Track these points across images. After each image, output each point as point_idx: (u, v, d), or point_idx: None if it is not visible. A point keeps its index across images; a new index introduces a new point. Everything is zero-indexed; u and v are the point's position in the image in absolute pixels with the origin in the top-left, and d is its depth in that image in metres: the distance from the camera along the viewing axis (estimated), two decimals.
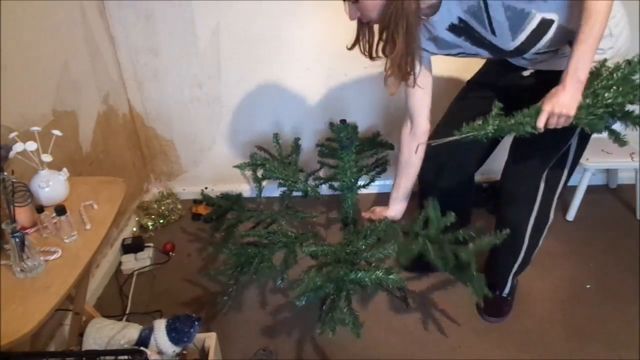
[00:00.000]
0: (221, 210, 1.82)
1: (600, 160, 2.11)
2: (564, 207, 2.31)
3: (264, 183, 1.76)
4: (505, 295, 1.76)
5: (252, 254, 1.53)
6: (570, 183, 2.39)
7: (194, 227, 2.29)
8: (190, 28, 2.03)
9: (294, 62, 2.12)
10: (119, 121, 2.13)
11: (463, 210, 1.63)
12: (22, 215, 1.19)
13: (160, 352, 1.29)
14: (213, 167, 2.43)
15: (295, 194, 1.84)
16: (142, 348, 1.23)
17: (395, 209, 1.59)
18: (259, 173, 1.81)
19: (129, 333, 1.31)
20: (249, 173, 2.22)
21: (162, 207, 2.29)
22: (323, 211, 2.32)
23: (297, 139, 1.89)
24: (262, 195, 1.84)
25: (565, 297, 1.84)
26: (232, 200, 1.81)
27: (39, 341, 1.52)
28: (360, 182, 1.87)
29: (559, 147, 1.38)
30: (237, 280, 1.55)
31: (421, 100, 1.40)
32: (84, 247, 1.16)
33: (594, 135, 2.40)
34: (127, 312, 1.81)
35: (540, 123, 1.13)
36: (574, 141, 1.38)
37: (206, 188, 2.49)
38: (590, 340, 1.66)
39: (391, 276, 1.35)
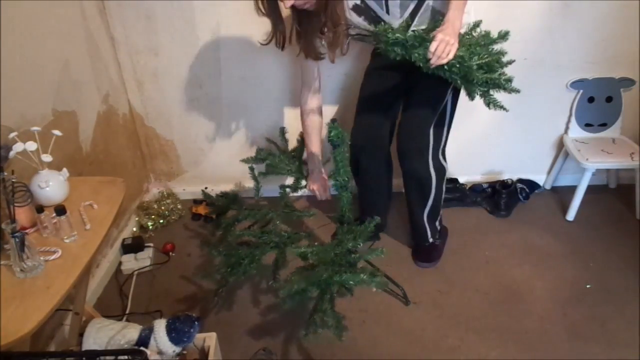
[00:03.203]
0: (220, 208, 1.82)
1: (600, 160, 2.11)
2: (564, 207, 2.31)
3: (268, 179, 1.78)
4: (432, 241, 2.00)
5: (243, 254, 1.53)
6: (570, 183, 2.43)
7: (194, 227, 2.29)
8: (190, 28, 2.03)
9: (294, 62, 2.12)
10: (119, 121, 2.13)
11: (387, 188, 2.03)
12: (22, 215, 1.19)
13: (160, 352, 1.29)
14: (213, 167, 2.43)
15: (296, 194, 1.84)
16: (142, 348, 1.23)
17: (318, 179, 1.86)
18: (263, 168, 1.82)
19: (129, 333, 1.31)
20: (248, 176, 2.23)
21: (162, 207, 2.29)
22: (320, 210, 2.31)
23: (302, 133, 1.89)
24: (263, 195, 1.84)
25: (565, 297, 1.84)
26: (230, 199, 1.81)
27: (39, 341, 1.52)
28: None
29: (438, 106, 1.69)
30: (227, 282, 1.55)
31: (317, 72, 1.75)
32: (84, 247, 1.16)
33: (594, 135, 2.41)
34: (127, 312, 1.81)
35: (432, 47, 1.36)
36: (448, 100, 1.71)
37: (206, 188, 2.49)
38: (590, 340, 1.66)
39: (376, 279, 1.36)
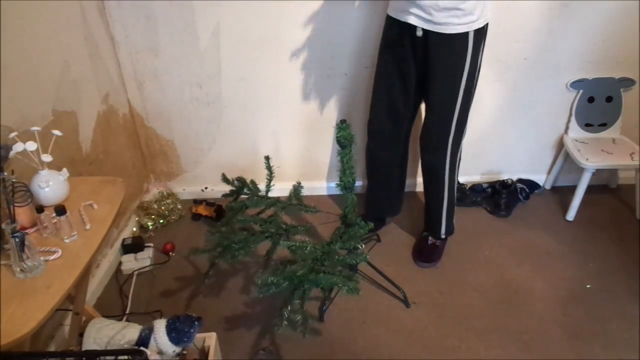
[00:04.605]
0: (235, 192, 1.82)
1: (600, 160, 2.11)
2: (564, 207, 2.31)
3: (274, 182, 1.77)
4: (434, 241, 2.05)
5: (236, 239, 1.54)
6: (570, 183, 2.43)
7: (194, 227, 2.29)
8: (190, 28, 2.03)
9: (294, 62, 2.12)
10: (119, 121, 2.13)
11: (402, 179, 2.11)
12: (22, 215, 1.19)
13: (160, 352, 1.29)
14: (213, 167, 2.43)
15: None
16: (142, 348, 1.23)
17: None
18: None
19: (129, 333, 1.31)
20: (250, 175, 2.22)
21: (162, 207, 2.29)
22: (329, 210, 2.31)
23: (299, 184, 1.82)
24: (275, 195, 1.83)
25: (565, 297, 1.84)
26: (243, 183, 1.81)
27: (39, 341, 1.52)
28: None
29: (456, 100, 1.71)
30: (214, 263, 1.56)
31: None
32: (84, 247, 1.16)
33: (594, 135, 2.41)
34: (127, 312, 1.81)
35: None
36: (459, 99, 1.71)
37: (206, 188, 2.49)
38: (590, 340, 1.66)
39: (349, 284, 1.37)
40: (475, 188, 2.40)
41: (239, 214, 1.68)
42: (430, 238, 2.06)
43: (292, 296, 1.37)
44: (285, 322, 1.34)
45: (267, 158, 1.77)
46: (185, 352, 1.36)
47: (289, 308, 1.36)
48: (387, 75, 1.78)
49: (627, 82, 2.20)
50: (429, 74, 1.68)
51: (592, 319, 1.74)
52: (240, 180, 1.82)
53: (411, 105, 1.85)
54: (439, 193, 1.93)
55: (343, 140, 1.49)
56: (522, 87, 2.23)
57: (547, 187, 2.49)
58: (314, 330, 1.71)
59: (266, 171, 1.74)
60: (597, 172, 2.21)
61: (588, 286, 1.89)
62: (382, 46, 1.79)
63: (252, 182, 1.81)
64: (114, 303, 1.85)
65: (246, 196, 1.76)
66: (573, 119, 2.28)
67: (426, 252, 2.04)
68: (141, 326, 1.34)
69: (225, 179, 1.81)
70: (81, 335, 1.34)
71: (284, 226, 1.61)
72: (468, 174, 2.48)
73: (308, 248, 1.50)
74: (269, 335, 1.70)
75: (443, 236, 2.04)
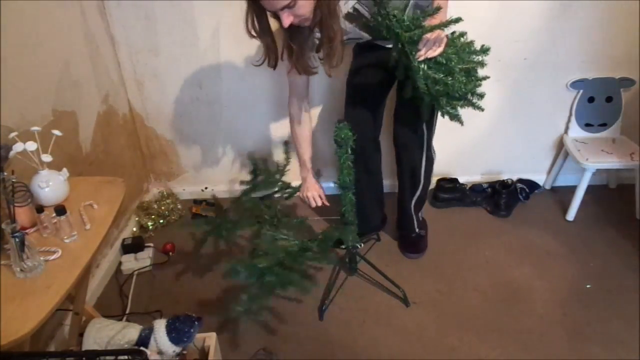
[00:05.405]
0: (254, 172, 1.84)
1: (600, 160, 2.11)
2: (564, 207, 2.31)
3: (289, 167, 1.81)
4: (418, 232, 2.07)
5: (220, 220, 1.60)
6: (570, 183, 2.43)
7: (194, 227, 2.29)
8: (190, 28, 2.03)
9: None
10: (119, 121, 2.13)
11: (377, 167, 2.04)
12: (22, 215, 1.19)
13: (160, 352, 1.29)
14: (213, 167, 2.43)
15: None
16: (142, 348, 1.24)
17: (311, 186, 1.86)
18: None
19: (129, 333, 1.31)
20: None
21: (162, 207, 2.29)
22: (329, 210, 2.31)
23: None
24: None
25: (565, 297, 1.84)
26: (263, 164, 1.85)
27: (39, 341, 1.52)
28: None
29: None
30: (205, 241, 1.66)
31: (308, 83, 1.73)
32: (84, 247, 1.17)
33: (594, 135, 2.41)
34: (127, 312, 1.81)
35: (429, 36, 1.32)
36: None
37: (206, 188, 2.50)
38: (590, 340, 1.66)
39: (302, 283, 1.41)
40: (475, 188, 2.40)
41: (249, 194, 1.71)
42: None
43: (252, 286, 1.40)
44: (241, 308, 1.37)
45: (285, 143, 1.87)
46: (185, 352, 1.36)
47: (248, 294, 1.38)
48: (364, 75, 1.81)
49: (627, 82, 2.20)
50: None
51: (592, 319, 1.74)
52: (261, 162, 1.85)
53: (382, 116, 1.92)
54: (415, 188, 1.94)
55: (340, 140, 1.50)
56: (522, 87, 2.23)
57: (547, 187, 2.49)
58: (313, 330, 1.71)
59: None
60: (597, 172, 2.21)
61: (588, 286, 1.89)
62: (355, 48, 1.83)
63: (268, 169, 1.84)
64: (114, 303, 1.85)
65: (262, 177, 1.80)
66: (573, 119, 2.28)
67: (413, 244, 2.07)
68: (141, 326, 1.34)
69: (251, 158, 1.84)
70: (81, 335, 1.34)
71: (278, 214, 1.62)
72: (468, 174, 2.48)
73: (280, 242, 1.51)
74: (269, 335, 1.70)
75: (417, 230, 2.06)
